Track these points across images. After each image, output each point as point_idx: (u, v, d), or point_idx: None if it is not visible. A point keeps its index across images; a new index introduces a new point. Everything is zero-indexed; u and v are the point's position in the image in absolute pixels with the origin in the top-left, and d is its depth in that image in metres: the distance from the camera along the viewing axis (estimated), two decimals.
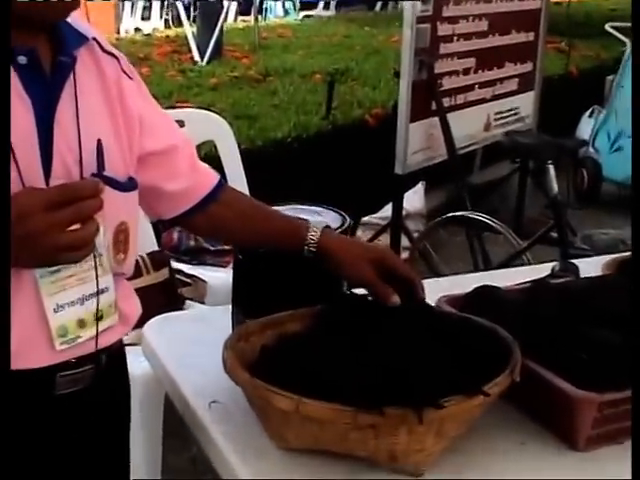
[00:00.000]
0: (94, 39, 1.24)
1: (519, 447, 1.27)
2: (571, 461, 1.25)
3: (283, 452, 1.22)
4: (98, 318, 1.22)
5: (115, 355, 1.33)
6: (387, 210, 4.22)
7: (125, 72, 1.28)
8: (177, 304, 2.70)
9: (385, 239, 4.13)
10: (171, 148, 1.36)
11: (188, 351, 1.51)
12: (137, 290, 2.64)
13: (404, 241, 4.08)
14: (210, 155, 3.59)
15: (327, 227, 1.42)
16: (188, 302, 2.72)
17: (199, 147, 3.56)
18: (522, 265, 3.27)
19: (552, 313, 1.38)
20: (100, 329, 1.22)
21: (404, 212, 4.28)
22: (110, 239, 1.23)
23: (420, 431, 1.13)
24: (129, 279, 2.60)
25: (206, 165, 1.46)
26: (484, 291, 1.49)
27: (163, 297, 2.65)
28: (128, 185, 1.26)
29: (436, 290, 1.51)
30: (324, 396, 1.12)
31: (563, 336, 1.32)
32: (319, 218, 1.55)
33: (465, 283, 1.58)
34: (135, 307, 1.37)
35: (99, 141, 1.19)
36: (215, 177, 1.44)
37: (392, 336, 1.25)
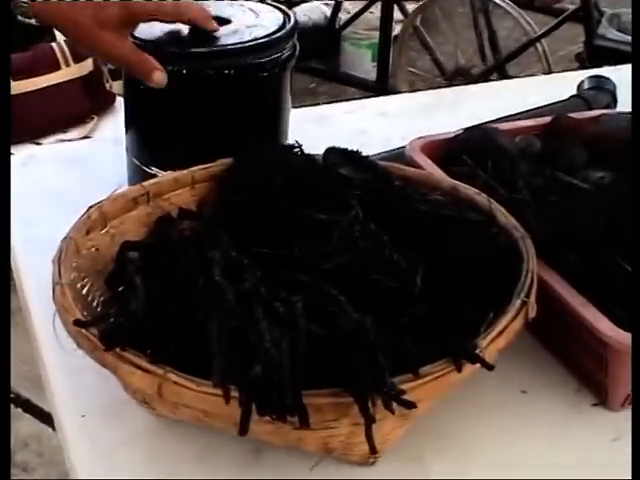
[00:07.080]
0: None
1: (518, 397, 0.83)
2: (590, 424, 0.81)
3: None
4: None
5: None
6: None
7: None
8: (104, 103, 2.20)
9: (377, 11, 3.55)
10: None
11: (47, 215, 1.04)
12: (52, 87, 2.18)
13: (398, 14, 3.49)
14: None
15: None
16: (120, 99, 2.21)
17: None
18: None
19: (587, 180, 0.89)
20: None
21: None
22: None
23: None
24: (41, 74, 2.14)
25: None
26: (477, 136, 0.99)
27: (86, 95, 2.16)
28: None
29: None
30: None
31: (598, 224, 0.83)
32: (252, 17, 1.03)
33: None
34: None
35: None
36: None
37: (331, 253, 0.75)
